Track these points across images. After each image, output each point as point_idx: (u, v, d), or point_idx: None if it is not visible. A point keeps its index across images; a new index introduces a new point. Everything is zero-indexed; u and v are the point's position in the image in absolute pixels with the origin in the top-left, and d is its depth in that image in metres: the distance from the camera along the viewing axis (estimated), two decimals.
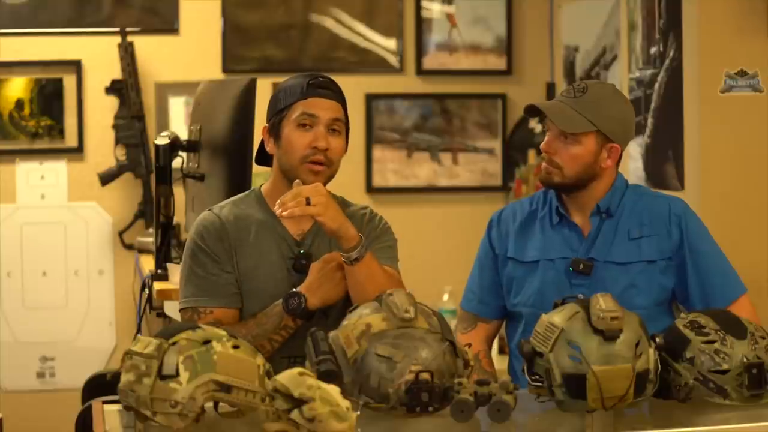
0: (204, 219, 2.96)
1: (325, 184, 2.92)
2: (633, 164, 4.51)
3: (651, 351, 2.50)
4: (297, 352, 2.79)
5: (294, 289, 2.83)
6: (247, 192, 3.04)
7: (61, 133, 5.28)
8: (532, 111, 3.11)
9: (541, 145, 3.09)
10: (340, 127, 2.93)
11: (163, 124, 5.29)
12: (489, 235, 3.23)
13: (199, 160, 3.68)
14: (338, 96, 2.95)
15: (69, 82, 5.27)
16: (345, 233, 2.80)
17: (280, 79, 3.71)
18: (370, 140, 5.46)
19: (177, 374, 2.25)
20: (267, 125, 2.97)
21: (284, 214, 2.75)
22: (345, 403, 2.22)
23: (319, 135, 2.89)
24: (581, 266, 3.05)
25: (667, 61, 4.27)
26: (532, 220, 3.18)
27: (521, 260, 3.15)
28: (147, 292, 3.82)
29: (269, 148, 2.97)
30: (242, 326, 2.85)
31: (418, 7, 5.47)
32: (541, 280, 3.10)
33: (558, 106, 3.07)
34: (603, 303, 2.47)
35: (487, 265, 3.22)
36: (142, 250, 4.98)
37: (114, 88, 5.27)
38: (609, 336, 2.44)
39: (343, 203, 3.02)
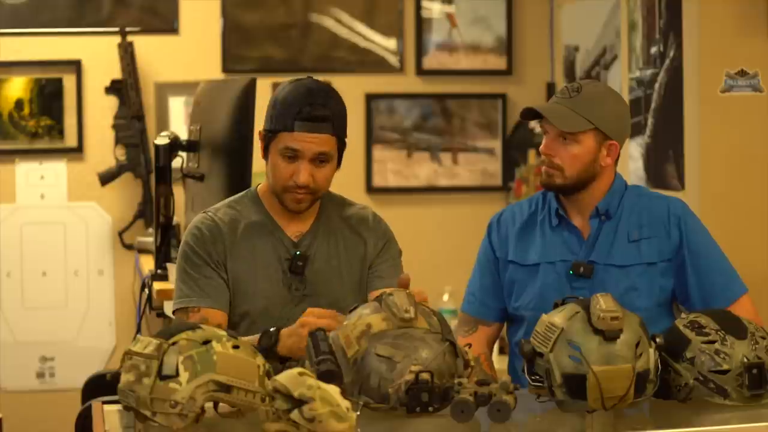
0: (198, 221, 2.94)
1: (311, 205, 2.90)
2: (633, 164, 4.51)
3: (651, 351, 2.49)
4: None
5: (272, 329, 2.71)
6: (243, 192, 3.01)
7: (60, 133, 5.28)
8: (528, 114, 3.10)
9: (540, 148, 3.07)
10: (328, 156, 2.84)
11: (163, 124, 5.28)
12: (489, 238, 3.22)
13: (199, 160, 3.68)
14: (330, 125, 2.82)
15: (69, 82, 5.26)
16: None
17: (281, 79, 3.72)
18: (370, 140, 5.46)
19: (177, 374, 2.25)
20: (261, 132, 2.90)
21: None
22: (345, 403, 2.22)
23: (302, 169, 2.81)
24: (582, 269, 3.05)
25: (667, 61, 4.27)
26: (531, 223, 3.17)
27: (522, 263, 3.14)
28: (147, 292, 3.82)
29: (261, 155, 2.92)
30: None
31: (418, 7, 5.46)
32: (541, 283, 3.09)
33: (554, 107, 3.06)
34: (603, 303, 2.47)
35: (487, 268, 3.21)
36: (142, 250, 4.98)
37: (114, 88, 5.27)
38: (609, 336, 2.44)
39: (342, 203, 3.02)
